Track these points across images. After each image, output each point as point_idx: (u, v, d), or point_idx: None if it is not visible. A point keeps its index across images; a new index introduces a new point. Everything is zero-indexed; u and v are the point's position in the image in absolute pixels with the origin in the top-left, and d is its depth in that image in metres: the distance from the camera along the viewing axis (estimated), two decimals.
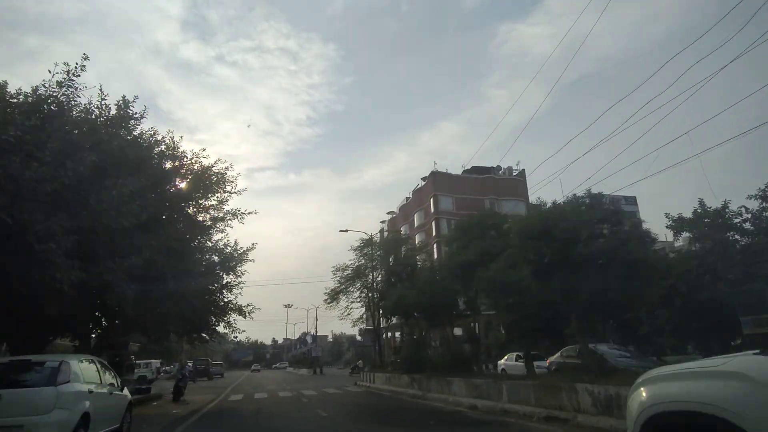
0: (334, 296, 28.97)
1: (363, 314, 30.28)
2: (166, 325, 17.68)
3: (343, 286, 28.59)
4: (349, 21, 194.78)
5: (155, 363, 35.60)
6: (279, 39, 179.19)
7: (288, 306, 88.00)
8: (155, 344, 49.24)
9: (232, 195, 16.08)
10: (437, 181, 60.94)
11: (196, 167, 14.41)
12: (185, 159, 14.36)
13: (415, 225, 64.75)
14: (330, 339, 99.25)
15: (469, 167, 61.87)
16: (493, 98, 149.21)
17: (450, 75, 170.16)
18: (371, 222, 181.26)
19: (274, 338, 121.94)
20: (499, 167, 63.84)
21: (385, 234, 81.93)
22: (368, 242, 26.57)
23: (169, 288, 13.80)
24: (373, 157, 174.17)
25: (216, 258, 18.22)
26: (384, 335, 30.79)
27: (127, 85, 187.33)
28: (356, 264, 28.08)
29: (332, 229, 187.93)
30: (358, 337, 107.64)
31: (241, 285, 19.76)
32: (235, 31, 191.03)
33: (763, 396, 2.09)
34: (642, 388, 2.85)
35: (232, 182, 15.72)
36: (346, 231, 28.86)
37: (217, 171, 15.30)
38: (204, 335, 19.48)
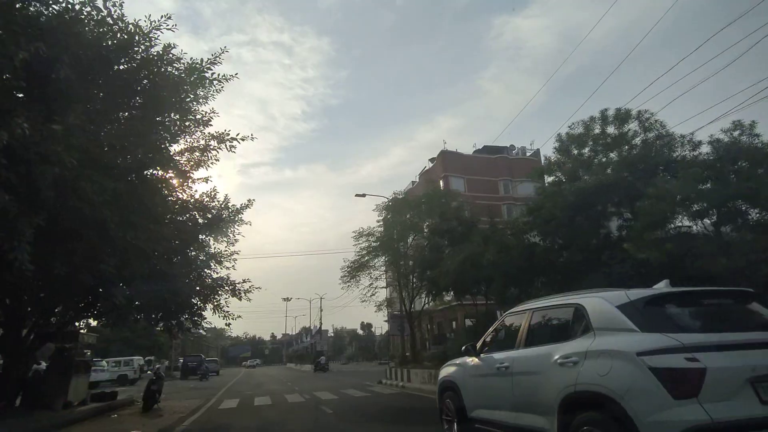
0: (354, 271, 24.20)
1: (390, 295, 25.50)
2: (127, 306, 12.84)
3: (367, 257, 23.87)
4: (344, 14, 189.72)
5: (138, 360, 30.53)
6: (272, 33, 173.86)
7: (287, 299, 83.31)
8: (122, 333, 44.65)
9: (213, 94, 10.59)
10: (447, 161, 55.96)
11: (154, 52, 8.88)
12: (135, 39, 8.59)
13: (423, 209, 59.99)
14: (331, 333, 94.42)
15: (480, 147, 57.07)
16: (490, 91, 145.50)
17: (446, 68, 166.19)
18: (370, 216, 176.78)
19: (272, 333, 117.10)
20: (512, 146, 59.06)
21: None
22: (398, 203, 21.56)
23: (124, 251, 8.91)
24: (369, 151, 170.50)
25: (199, 218, 13.30)
26: (416, 322, 25.44)
27: None
28: (382, 227, 23.15)
29: (328, 224, 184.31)
30: (360, 331, 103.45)
31: (235, 257, 14.90)
32: (228, 25, 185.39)
33: (467, 375, 5.57)
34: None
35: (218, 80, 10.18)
36: (364, 195, 24.05)
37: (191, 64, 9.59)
38: (185, 322, 14.55)
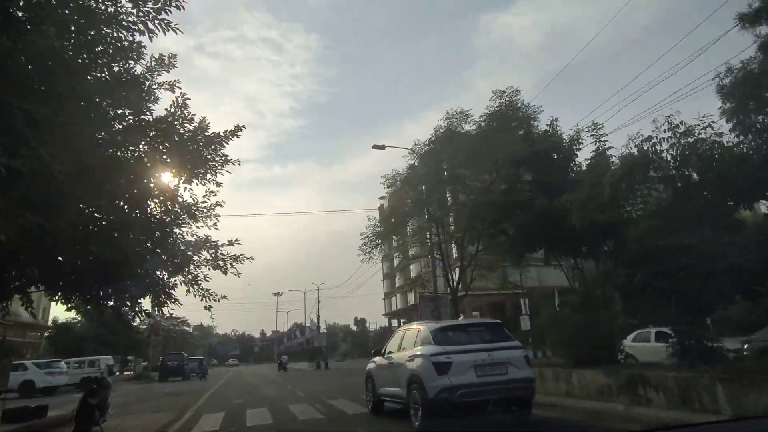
0: (386, 233, 19.66)
1: (422, 270, 20.95)
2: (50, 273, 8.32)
3: (405, 215, 19.25)
4: (332, 11, 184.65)
5: (106, 360, 25.52)
6: (261, 29, 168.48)
7: (277, 294, 78.24)
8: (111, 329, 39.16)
9: None
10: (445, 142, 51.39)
11: None
12: None
13: (425, 195, 55.50)
14: (323, 330, 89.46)
15: None
16: (479, 88, 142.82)
17: (434, 65, 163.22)
18: (358, 214, 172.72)
19: (262, 330, 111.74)
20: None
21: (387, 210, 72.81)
22: (448, 136, 16.51)
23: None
24: (358, 148, 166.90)
25: (159, 141, 8.64)
26: (461, 303, 20.31)
27: None
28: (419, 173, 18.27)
29: (318, 221, 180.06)
30: (353, 327, 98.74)
31: (216, 213, 10.21)
32: (216, 21, 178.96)
33: (376, 368, 9.15)
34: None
35: None
36: (383, 147, 19.61)
37: None
38: (142, 302, 9.89)
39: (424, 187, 18.44)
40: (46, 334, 37.41)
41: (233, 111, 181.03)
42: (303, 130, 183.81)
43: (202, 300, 10.40)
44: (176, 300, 10.73)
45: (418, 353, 7.31)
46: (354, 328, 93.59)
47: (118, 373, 37.52)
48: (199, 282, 10.24)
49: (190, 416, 10.92)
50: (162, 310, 10.42)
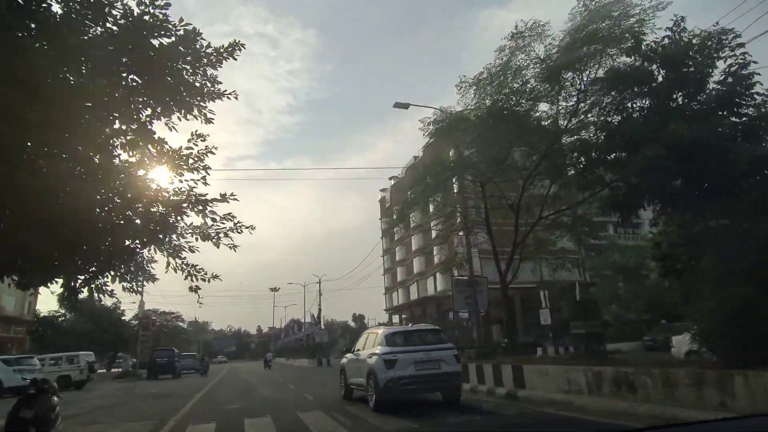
0: (421, 196, 17.05)
1: (457, 246, 18.38)
2: None
3: (446, 168, 16.59)
4: (330, 6, 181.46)
5: (85, 356, 22.90)
6: (257, 24, 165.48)
7: (274, 289, 75.65)
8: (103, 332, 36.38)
9: None
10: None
11: None
12: None
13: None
14: (322, 326, 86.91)
15: None
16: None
17: (432, 61, 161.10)
18: (356, 212, 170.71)
19: (259, 326, 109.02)
20: None
21: (387, 204, 70.23)
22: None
23: None
24: (356, 145, 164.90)
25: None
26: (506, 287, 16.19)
27: None
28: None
29: (314, 219, 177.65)
30: (351, 323, 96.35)
31: (206, 165, 7.57)
32: (212, 16, 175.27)
33: (348, 362, 11.19)
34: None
35: None
36: (406, 107, 16.90)
37: None
38: (102, 277, 7.37)
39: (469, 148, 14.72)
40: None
41: (229, 107, 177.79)
42: (299, 126, 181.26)
43: (186, 278, 7.91)
44: (151, 276, 8.28)
45: (375, 352, 9.26)
46: (352, 324, 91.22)
47: (104, 371, 34.91)
48: (183, 255, 7.74)
49: (172, 428, 8.43)
50: (136, 287, 7.89)
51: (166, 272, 7.89)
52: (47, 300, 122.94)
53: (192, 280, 7.94)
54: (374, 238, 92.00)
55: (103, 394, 17.92)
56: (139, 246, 7.50)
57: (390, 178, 66.72)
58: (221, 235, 7.75)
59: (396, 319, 65.93)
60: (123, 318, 40.68)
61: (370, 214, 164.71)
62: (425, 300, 48.88)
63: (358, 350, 10.63)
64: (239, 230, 7.85)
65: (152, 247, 7.59)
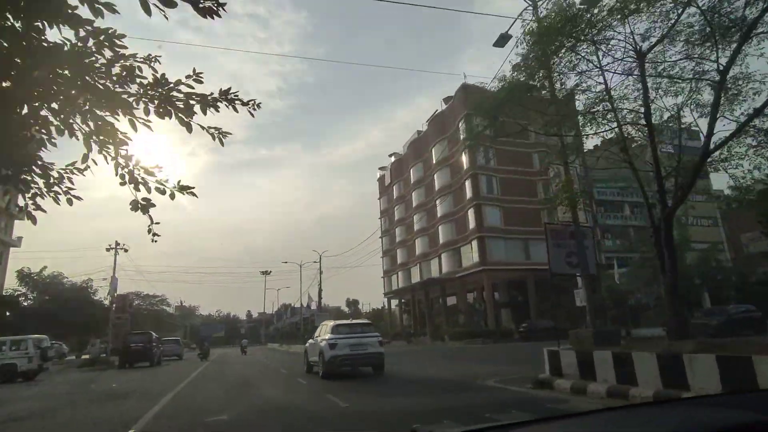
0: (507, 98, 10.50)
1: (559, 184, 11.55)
2: None
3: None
4: None
5: (38, 340, 18.48)
6: (247, 4, 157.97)
7: (266, 272, 71.42)
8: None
9: None
10: (471, 97, 44.62)
11: None
12: None
13: (435, 160, 48.89)
14: (306, 312, 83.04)
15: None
16: (469, 73, 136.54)
17: (426, 49, 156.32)
18: (346, 197, 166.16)
19: (249, 311, 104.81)
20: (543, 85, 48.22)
21: (387, 183, 65.88)
22: None
23: None
24: (347, 132, 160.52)
25: None
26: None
27: None
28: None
29: (303, 204, 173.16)
30: (344, 308, 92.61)
31: None
32: None
33: (309, 346, 14.64)
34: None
35: None
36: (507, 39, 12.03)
37: None
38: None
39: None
40: None
41: (215, 87, 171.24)
42: (290, 111, 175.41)
43: (129, 185, 3.83)
44: (53, 180, 4.06)
45: (325, 338, 12.59)
46: (346, 309, 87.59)
47: (74, 357, 30.50)
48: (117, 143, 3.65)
49: None
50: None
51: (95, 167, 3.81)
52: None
53: (138, 189, 3.91)
54: (367, 223, 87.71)
55: (49, 390, 13.68)
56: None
57: (390, 155, 62.56)
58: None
59: (395, 304, 62.14)
60: (95, 298, 36.21)
61: (362, 199, 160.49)
62: (429, 282, 45.04)
63: (316, 337, 13.76)
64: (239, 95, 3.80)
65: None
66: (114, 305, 29.67)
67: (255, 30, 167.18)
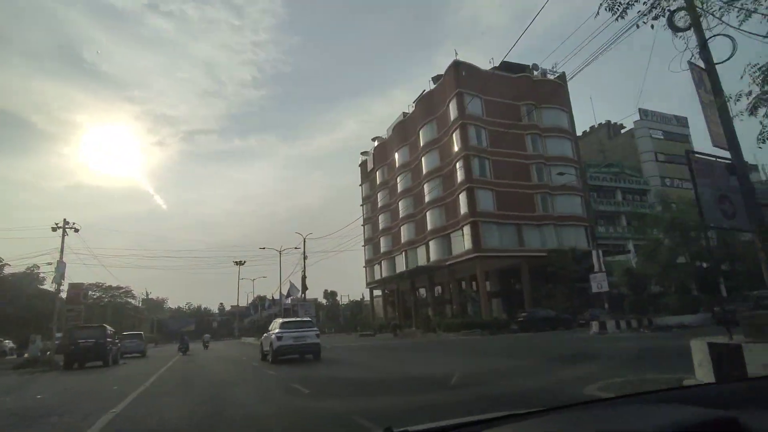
0: None
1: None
2: None
3: None
4: None
5: None
6: None
7: (240, 263, 66.95)
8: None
9: None
10: (462, 75, 41.81)
11: None
12: None
13: (422, 143, 45.93)
14: (288, 302, 79.07)
15: (498, 64, 43.09)
16: (445, 67, 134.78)
17: (403, 41, 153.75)
18: (322, 190, 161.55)
19: (221, 304, 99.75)
20: (535, 66, 46.04)
21: (369, 168, 62.54)
22: None
23: None
24: (322, 123, 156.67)
25: None
26: None
27: (41, 30, 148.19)
28: None
29: (279, 196, 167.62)
30: (322, 300, 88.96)
31: None
32: None
33: (264, 338, 17.91)
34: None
35: None
36: None
37: None
38: None
39: None
40: None
41: (190, 77, 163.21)
42: (264, 101, 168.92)
43: None
44: None
45: (274, 332, 15.75)
46: (323, 301, 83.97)
47: (14, 356, 26.04)
48: None
49: None
50: None
51: None
52: None
53: None
54: (345, 216, 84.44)
55: None
56: None
57: (373, 139, 59.26)
58: None
59: (378, 294, 59.21)
60: (42, 287, 31.46)
61: (339, 192, 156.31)
62: (417, 271, 42.20)
63: (270, 330, 16.94)
64: None
65: None
66: (65, 295, 25.41)
67: (229, 16, 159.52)
